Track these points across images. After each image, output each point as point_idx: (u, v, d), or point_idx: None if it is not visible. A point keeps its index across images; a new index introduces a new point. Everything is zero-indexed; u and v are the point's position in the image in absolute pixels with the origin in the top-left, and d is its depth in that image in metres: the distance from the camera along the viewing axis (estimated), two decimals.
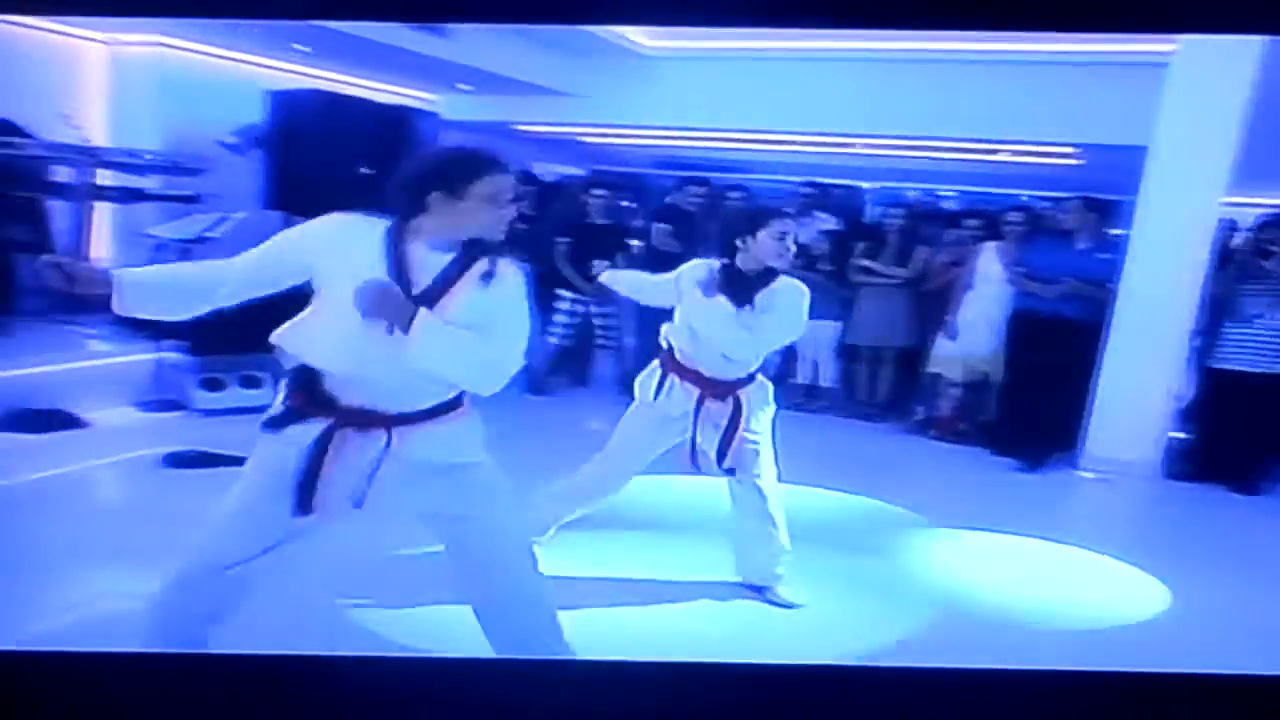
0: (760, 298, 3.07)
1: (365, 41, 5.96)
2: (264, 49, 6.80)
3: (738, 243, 3.08)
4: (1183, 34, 4.68)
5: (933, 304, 5.96)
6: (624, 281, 3.59)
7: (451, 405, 2.22)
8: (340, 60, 6.84)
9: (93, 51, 6.72)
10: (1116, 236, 5.44)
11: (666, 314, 3.28)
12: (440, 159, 2.18)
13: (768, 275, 3.09)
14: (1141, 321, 5.17)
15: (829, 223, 6.51)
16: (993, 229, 5.88)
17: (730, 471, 3.18)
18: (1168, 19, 2.25)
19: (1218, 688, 2.05)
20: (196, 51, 6.82)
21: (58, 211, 6.09)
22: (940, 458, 5.57)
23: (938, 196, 9.06)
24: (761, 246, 3.05)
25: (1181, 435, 5.45)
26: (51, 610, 2.86)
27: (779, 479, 3.29)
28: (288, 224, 2.23)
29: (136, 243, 6.10)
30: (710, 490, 3.43)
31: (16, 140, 5.64)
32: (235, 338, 5.12)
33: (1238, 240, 6.02)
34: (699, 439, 3.16)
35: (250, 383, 5.10)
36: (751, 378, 3.20)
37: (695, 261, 3.22)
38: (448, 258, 2.13)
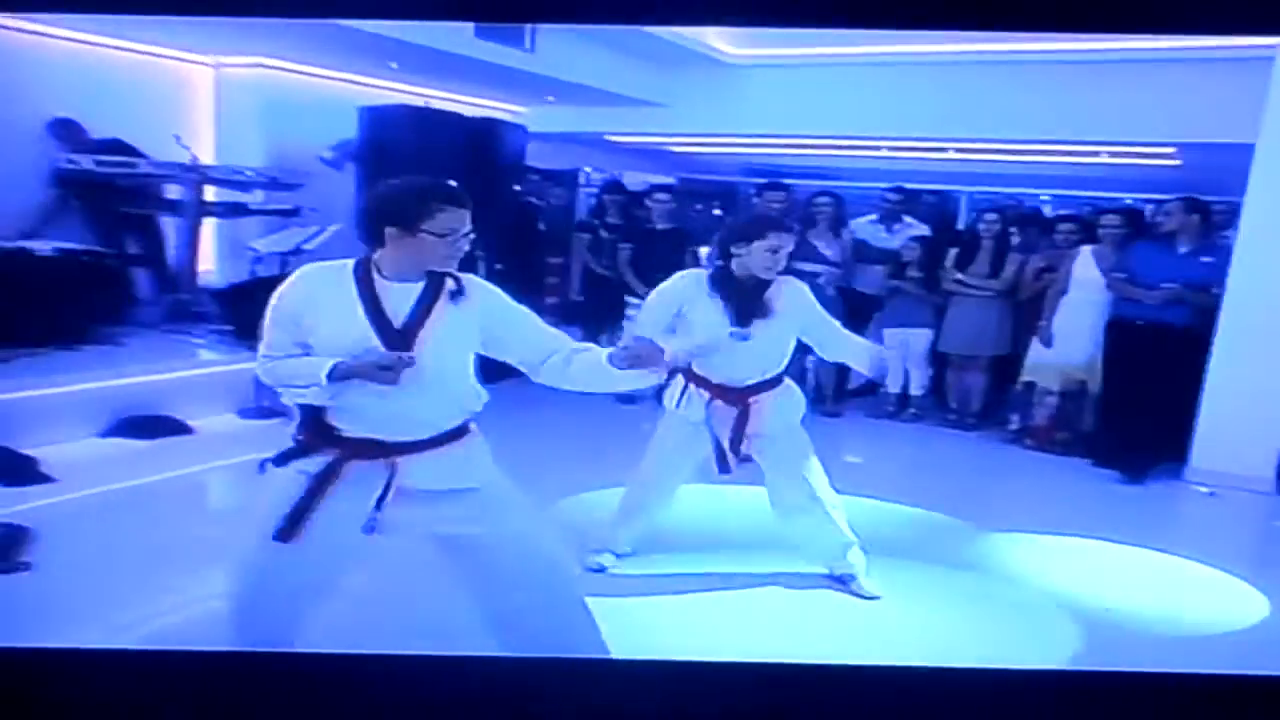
0: (758, 304, 3.13)
1: (453, 56, 6.09)
2: (359, 66, 7.01)
3: (733, 249, 3.14)
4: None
5: (1027, 311, 5.80)
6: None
7: (456, 433, 2.27)
8: (429, 75, 7.01)
9: (199, 74, 7.03)
10: (1220, 239, 5.21)
11: None
12: (392, 195, 2.22)
13: (762, 283, 3.15)
14: (1249, 328, 4.94)
15: (917, 228, 6.40)
16: (1088, 233, 5.71)
17: (747, 459, 3.23)
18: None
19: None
20: (295, 71, 7.06)
21: (169, 227, 6.38)
22: (1039, 468, 5.40)
23: (1031, 200, 8.84)
24: (754, 257, 3.11)
25: None
26: (154, 609, 2.99)
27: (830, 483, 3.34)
28: None
29: (240, 255, 6.37)
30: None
31: (131, 160, 5.93)
32: None
33: None
34: (722, 443, 3.22)
35: None
36: (777, 381, 3.25)
37: (686, 274, 3.29)
38: (417, 287, 2.19)
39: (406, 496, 2.19)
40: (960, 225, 8.13)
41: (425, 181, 2.24)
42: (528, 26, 6.45)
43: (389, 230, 2.17)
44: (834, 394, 6.28)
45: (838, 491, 3.38)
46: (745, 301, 3.14)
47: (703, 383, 3.22)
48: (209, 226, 6.62)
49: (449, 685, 2.05)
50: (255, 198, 6.51)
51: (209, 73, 7.08)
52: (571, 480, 4.27)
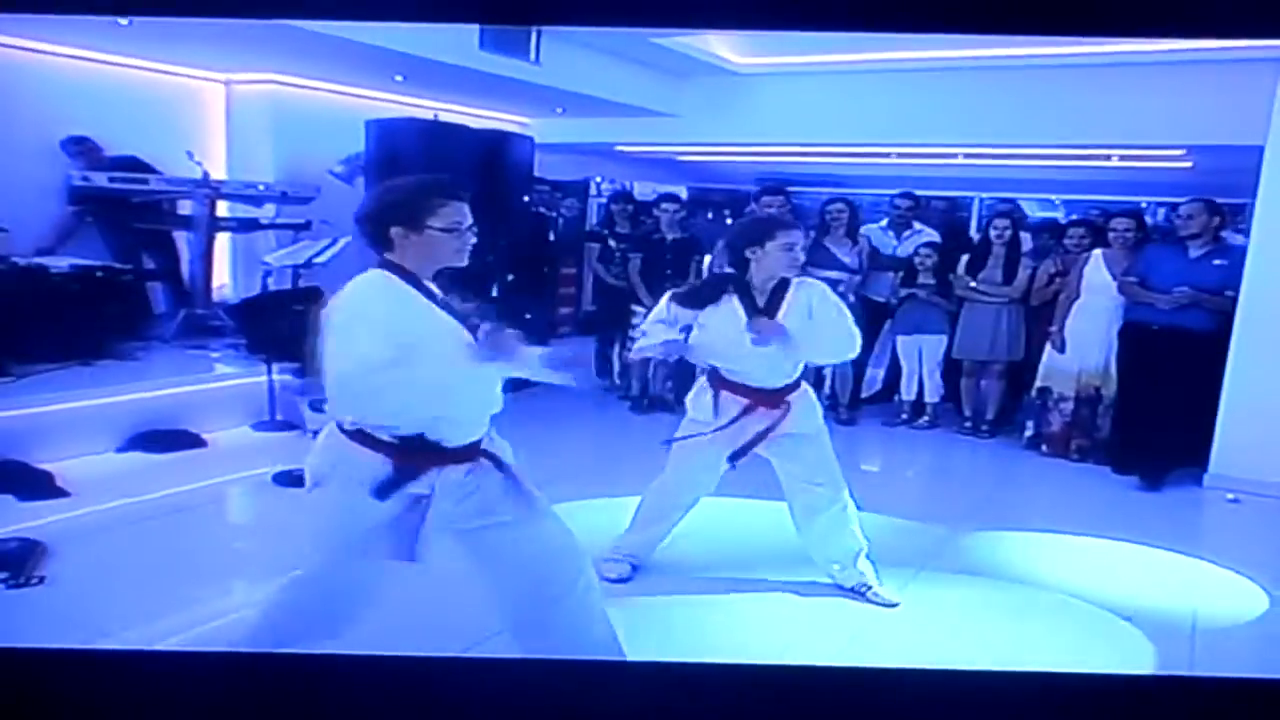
0: (778, 305, 3.15)
1: (458, 69, 6.12)
2: (367, 81, 7.05)
3: (748, 254, 3.14)
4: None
5: (1041, 316, 5.78)
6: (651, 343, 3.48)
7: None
8: (437, 88, 7.05)
9: (211, 91, 7.09)
10: (1233, 242, 5.18)
11: None
12: (395, 194, 2.23)
13: (782, 285, 3.16)
14: (1266, 331, 4.89)
15: (927, 235, 6.39)
16: (1099, 237, 5.69)
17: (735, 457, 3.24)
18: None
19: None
20: (305, 87, 7.12)
21: (183, 242, 6.43)
22: (1058, 475, 5.36)
23: (1042, 205, 8.82)
24: (771, 258, 3.12)
25: None
26: (169, 624, 2.98)
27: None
28: None
29: (254, 270, 6.41)
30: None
31: (144, 176, 5.99)
32: None
33: None
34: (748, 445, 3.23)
35: None
36: (797, 384, 3.26)
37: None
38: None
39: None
40: (971, 231, 8.11)
41: (421, 178, 2.26)
42: (532, 39, 6.48)
43: (394, 231, 2.18)
44: (849, 401, 6.27)
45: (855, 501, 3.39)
46: (766, 303, 3.16)
47: (737, 389, 3.21)
48: (223, 241, 6.67)
49: (451, 686, 2.05)
50: (267, 212, 6.55)
51: (220, 89, 7.14)
52: (584, 491, 4.27)
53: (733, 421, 3.21)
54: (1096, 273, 5.42)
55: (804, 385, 3.31)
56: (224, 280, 6.86)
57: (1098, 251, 5.51)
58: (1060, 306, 5.57)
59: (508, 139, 7.13)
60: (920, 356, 6.10)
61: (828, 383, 6.07)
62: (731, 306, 3.17)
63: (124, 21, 5.01)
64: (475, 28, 5.94)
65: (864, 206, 6.79)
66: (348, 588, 2.29)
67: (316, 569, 2.28)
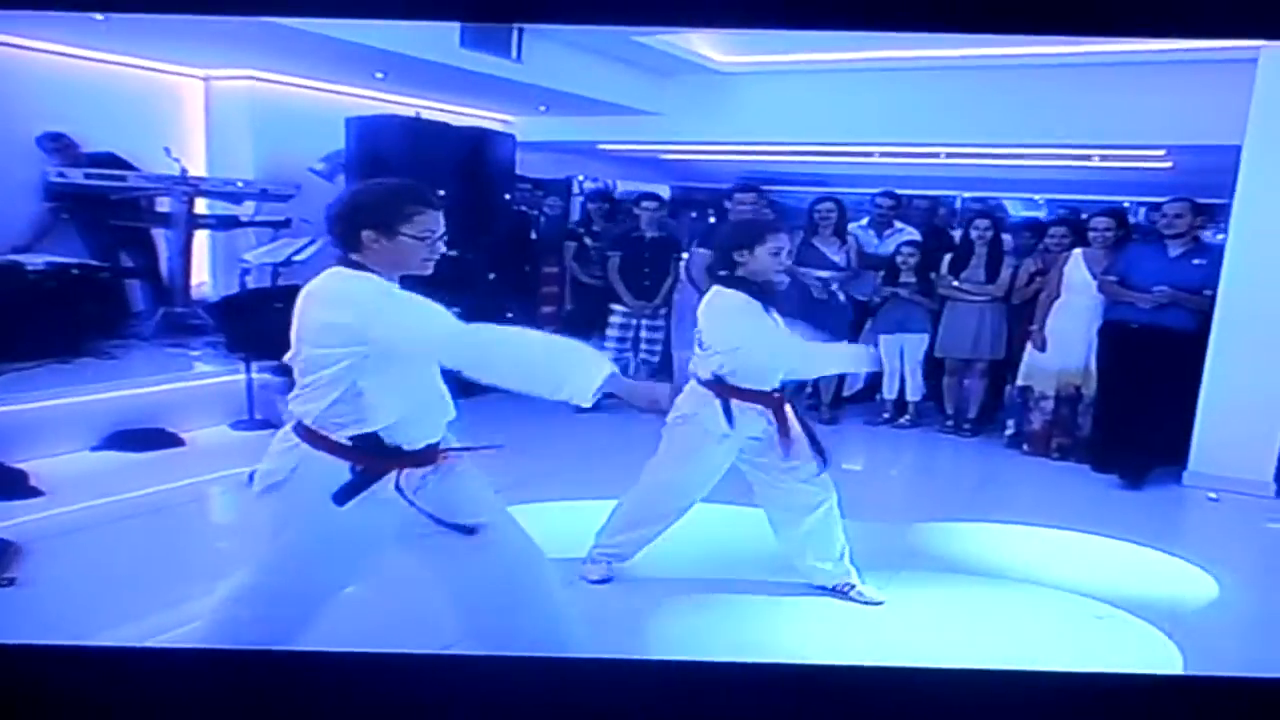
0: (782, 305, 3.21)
1: (439, 66, 6.09)
2: (347, 78, 7.01)
3: (736, 257, 3.14)
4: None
5: (1022, 315, 5.80)
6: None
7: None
8: (418, 85, 7.01)
9: (190, 87, 7.03)
10: (1212, 241, 5.20)
11: None
12: (371, 196, 2.22)
13: (772, 285, 3.18)
14: (1244, 330, 4.92)
15: (908, 233, 6.40)
16: (1079, 236, 5.71)
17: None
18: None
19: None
20: (285, 83, 7.07)
21: (162, 240, 6.37)
22: (1039, 474, 5.38)
23: (1024, 204, 8.86)
24: (759, 262, 3.13)
25: None
26: (144, 626, 2.95)
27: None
28: None
29: (234, 267, 6.36)
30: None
31: (120, 173, 5.93)
32: None
33: None
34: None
35: None
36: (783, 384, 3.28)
37: (728, 292, 3.20)
38: None
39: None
40: (952, 230, 8.13)
41: (399, 184, 2.25)
42: (514, 36, 6.45)
43: (366, 234, 2.16)
44: (831, 400, 6.27)
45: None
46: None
47: (748, 395, 3.19)
48: (202, 239, 6.61)
49: (445, 684, 2.04)
50: (247, 210, 6.50)
51: (199, 85, 7.07)
52: (552, 492, 4.27)
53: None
54: (1077, 272, 5.44)
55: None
56: (203, 278, 6.80)
57: (1078, 251, 5.53)
58: (1041, 306, 5.59)
59: (489, 137, 7.11)
60: (902, 355, 6.11)
61: (810, 382, 6.07)
62: (773, 319, 3.18)
63: (99, 17, 4.95)
64: (456, 25, 5.91)
65: (848, 206, 6.79)
66: (303, 593, 2.26)
67: (272, 575, 2.25)
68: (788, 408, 3.24)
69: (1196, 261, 5.05)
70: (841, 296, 6.00)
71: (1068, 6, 2.07)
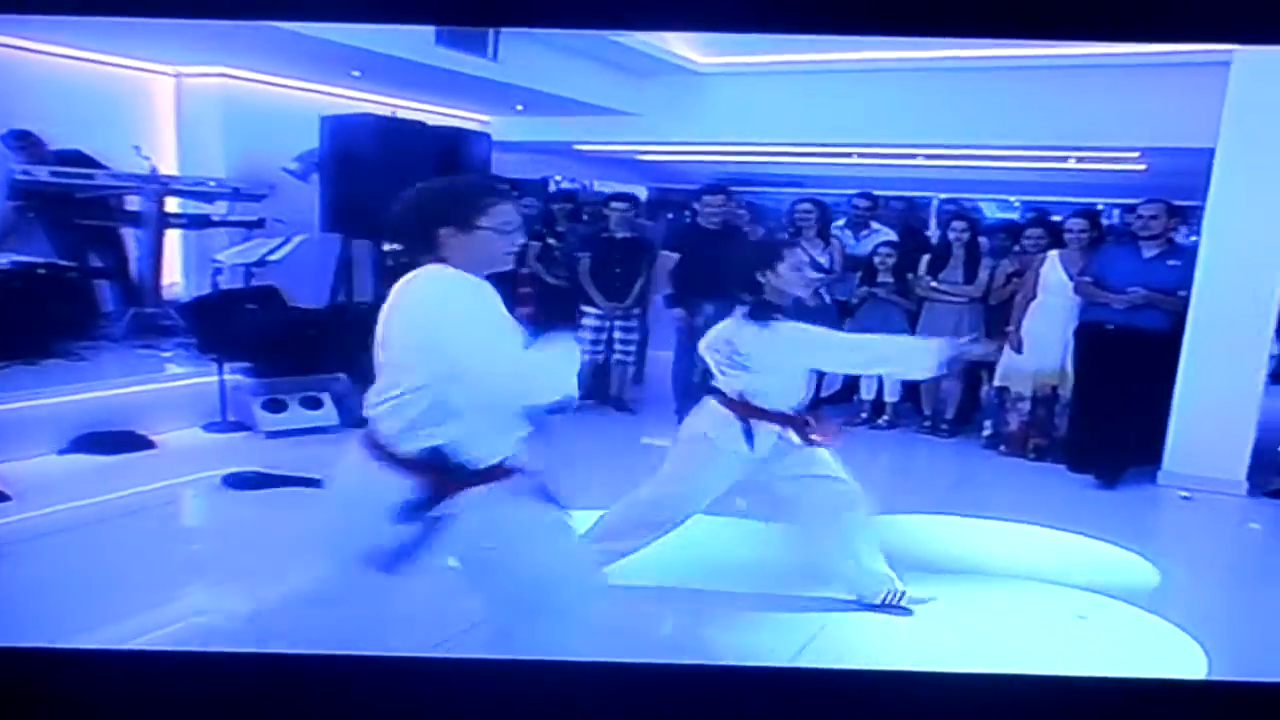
0: None
1: (414, 64, 6.04)
2: (321, 76, 6.93)
3: (759, 277, 3.11)
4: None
5: (999, 316, 5.82)
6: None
7: None
8: (394, 84, 6.95)
9: (160, 84, 6.92)
10: (1185, 243, 5.24)
11: None
12: (444, 193, 2.17)
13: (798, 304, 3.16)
14: (1217, 331, 4.95)
15: (885, 234, 6.41)
16: (1054, 237, 5.73)
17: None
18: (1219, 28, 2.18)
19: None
20: (258, 81, 6.98)
21: (132, 239, 6.27)
22: (1016, 474, 5.38)
23: (1001, 206, 8.91)
24: (784, 279, 3.10)
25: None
26: (116, 628, 2.90)
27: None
28: (345, 247, 2.23)
29: (207, 268, 6.27)
30: None
31: (87, 171, 5.83)
32: (297, 360, 5.26)
33: None
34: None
35: (311, 404, 5.17)
36: None
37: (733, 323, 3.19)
38: None
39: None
40: (930, 231, 8.16)
41: (473, 178, 2.24)
42: (491, 35, 6.40)
43: (443, 231, 2.10)
44: (809, 402, 6.25)
45: None
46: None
47: (770, 416, 3.17)
48: (175, 239, 6.51)
49: (440, 686, 2.01)
50: (220, 209, 6.41)
51: (170, 82, 6.97)
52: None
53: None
54: (1053, 273, 5.46)
55: None
56: (175, 278, 6.71)
57: (1054, 252, 5.55)
58: (1017, 307, 5.60)
59: (465, 136, 7.07)
60: None
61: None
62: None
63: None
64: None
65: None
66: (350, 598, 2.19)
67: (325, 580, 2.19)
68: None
69: (1171, 263, 5.08)
70: (828, 299, 5.99)
71: (1041, 11, 2.06)
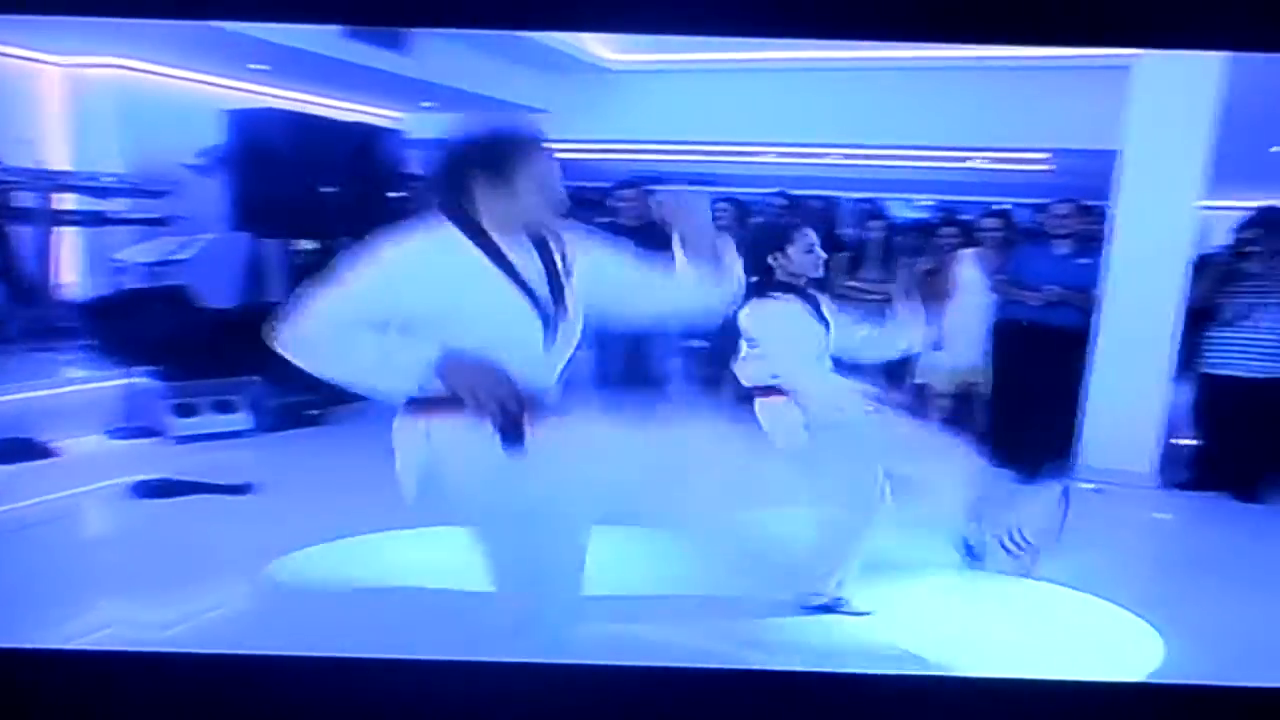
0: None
1: (326, 59, 5.85)
2: (221, 69, 6.65)
3: (770, 260, 3.14)
4: (1148, 49, 4.66)
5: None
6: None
7: None
8: (301, 79, 6.73)
9: (49, 74, 6.55)
10: (1096, 242, 5.42)
11: None
12: (481, 143, 2.05)
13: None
14: (1126, 328, 5.13)
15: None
16: (968, 236, 5.87)
17: None
18: (1134, 33, 2.26)
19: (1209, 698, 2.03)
20: (155, 73, 6.66)
21: (20, 237, 5.92)
22: None
23: (913, 205, 9.10)
24: (795, 263, 3.15)
25: (1183, 442, 5.39)
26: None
27: None
28: (255, 245, 2.10)
29: (105, 267, 5.96)
30: None
31: None
32: (208, 362, 5.03)
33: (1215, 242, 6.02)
34: None
35: (224, 407, 4.95)
36: None
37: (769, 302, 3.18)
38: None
39: None
40: (839, 231, 8.29)
41: (513, 127, 2.09)
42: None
43: (479, 182, 2.01)
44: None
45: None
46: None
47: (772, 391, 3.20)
48: (69, 237, 6.17)
49: (426, 686, 1.94)
50: (116, 206, 6.11)
51: (59, 72, 6.60)
52: None
53: None
54: (969, 271, 5.59)
55: None
56: (71, 277, 6.35)
57: (970, 250, 5.68)
58: (934, 303, 5.70)
59: (376, 132, 6.89)
60: None
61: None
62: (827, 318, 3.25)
63: None
64: None
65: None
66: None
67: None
68: None
69: (1082, 261, 5.24)
70: None
71: (960, 16, 2.10)
